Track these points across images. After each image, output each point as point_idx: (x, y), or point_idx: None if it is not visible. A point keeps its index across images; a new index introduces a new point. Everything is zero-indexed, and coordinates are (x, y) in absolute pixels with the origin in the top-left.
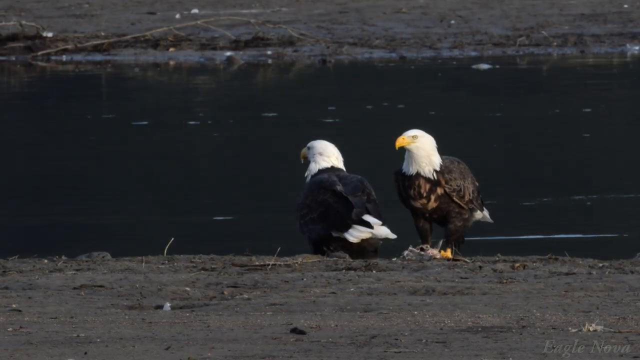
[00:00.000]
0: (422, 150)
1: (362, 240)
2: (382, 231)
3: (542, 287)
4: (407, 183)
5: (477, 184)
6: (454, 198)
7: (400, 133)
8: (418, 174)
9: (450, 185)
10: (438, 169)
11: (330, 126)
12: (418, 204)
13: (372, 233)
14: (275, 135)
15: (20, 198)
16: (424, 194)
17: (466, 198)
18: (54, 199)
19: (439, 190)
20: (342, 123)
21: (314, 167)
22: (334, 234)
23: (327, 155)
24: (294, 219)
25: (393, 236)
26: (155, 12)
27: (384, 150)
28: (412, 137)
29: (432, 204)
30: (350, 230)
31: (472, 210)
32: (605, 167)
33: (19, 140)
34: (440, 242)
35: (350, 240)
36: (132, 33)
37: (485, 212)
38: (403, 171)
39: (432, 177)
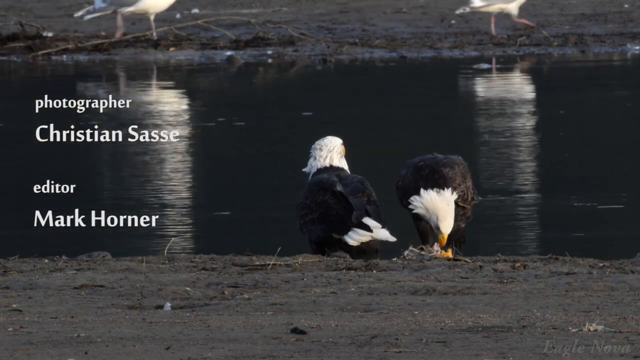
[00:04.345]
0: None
1: (362, 242)
2: (382, 234)
3: (543, 287)
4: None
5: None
6: (460, 203)
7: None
8: None
9: (457, 194)
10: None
11: (331, 125)
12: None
13: (371, 236)
14: (275, 134)
15: (20, 197)
16: None
17: (469, 199)
18: (54, 198)
19: None
20: (342, 122)
21: (314, 165)
22: (334, 236)
23: (329, 153)
24: (294, 219)
25: (392, 239)
26: None
27: (384, 150)
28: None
29: None
30: (350, 233)
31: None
32: (605, 166)
33: (18, 138)
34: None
35: (350, 243)
36: (133, 33)
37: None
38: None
39: None
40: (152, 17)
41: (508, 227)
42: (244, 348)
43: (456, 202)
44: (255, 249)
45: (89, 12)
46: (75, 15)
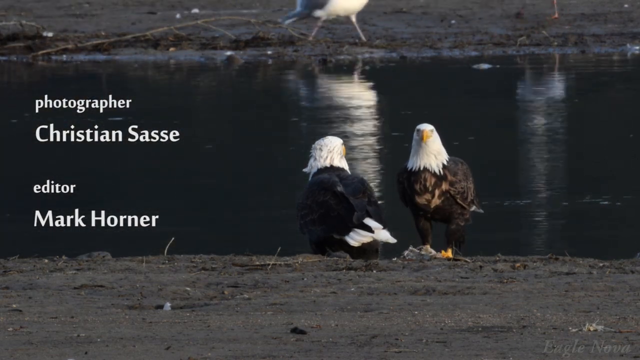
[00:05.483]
0: (436, 144)
1: (362, 243)
2: (383, 235)
3: (543, 287)
4: (413, 178)
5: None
6: (458, 200)
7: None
8: (425, 169)
9: (456, 188)
10: (446, 163)
11: (331, 125)
12: (423, 199)
13: (372, 237)
14: (275, 134)
15: (20, 197)
16: (429, 188)
17: (469, 199)
18: (54, 198)
19: (444, 186)
20: (341, 122)
21: (315, 165)
22: (335, 237)
23: (329, 153)
24: (294, 219)
25: (393, 240)
26: (156, 11)
27: (385, 150)
28: (431, 130)
29: (436, 201)
30: (351, 234)
31: (471, 209)
32: (605, 166)
33: (18, 138)
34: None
35: (351, 244)
36: (133, 33)
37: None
38: (409, 167)
39: (438, 172)
40: (320, 20)
41: (508, 227)
42: (244, 348)
43: (455, 199)
44: (255, 249)
45: (287, 17)
46: (279, 20)
